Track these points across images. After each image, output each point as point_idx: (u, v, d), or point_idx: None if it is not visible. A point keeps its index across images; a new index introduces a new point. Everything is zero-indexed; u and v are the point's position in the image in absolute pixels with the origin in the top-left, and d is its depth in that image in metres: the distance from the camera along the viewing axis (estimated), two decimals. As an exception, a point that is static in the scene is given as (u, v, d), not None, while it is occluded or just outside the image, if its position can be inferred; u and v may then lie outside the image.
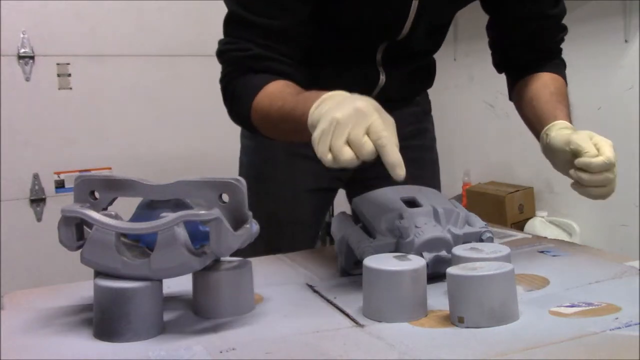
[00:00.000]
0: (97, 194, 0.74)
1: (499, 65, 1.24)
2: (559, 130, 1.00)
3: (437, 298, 0.76)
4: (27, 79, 2.54)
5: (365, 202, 0.90)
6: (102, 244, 0.68)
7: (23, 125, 2.54)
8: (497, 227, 1.15)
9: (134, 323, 0.67)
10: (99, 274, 0.70)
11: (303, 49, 1.02)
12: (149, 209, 0.74)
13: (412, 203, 0.88)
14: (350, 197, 1.32)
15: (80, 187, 0.74)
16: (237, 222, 0.71)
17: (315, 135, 0.75)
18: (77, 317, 0.75)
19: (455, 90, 2.88)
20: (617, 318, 0.68)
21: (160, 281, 0.70)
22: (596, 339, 0.63)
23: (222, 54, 1.02)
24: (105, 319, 0.67)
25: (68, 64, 2.59)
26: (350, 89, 0.92)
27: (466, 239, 0.86)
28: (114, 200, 0.75)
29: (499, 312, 0.67)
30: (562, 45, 1.19)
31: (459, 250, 0.80)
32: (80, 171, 2.60)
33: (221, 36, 1.03)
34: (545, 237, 1.08)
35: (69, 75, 2.60)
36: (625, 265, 0.88)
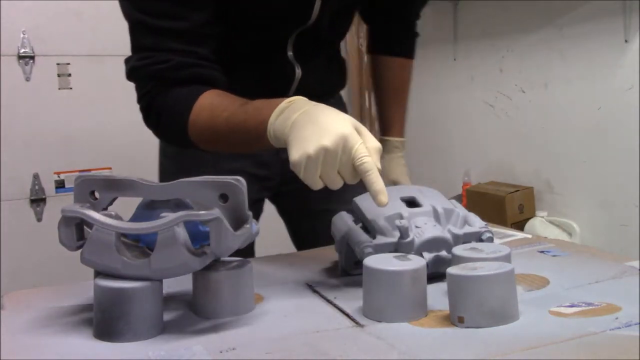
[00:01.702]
0: (97, 194, 0.74)
1: (365, 17, 1.30)
2: (387, 157, 1.24)
3: (437, 298, 0.76)
4: (27, 79, 2.54)
5: (365, 202, 0.90)
6: (102, 244, 0.68)
7: (23, 125, 2.54)
8: (497, 227, 1.15)
9: (134, 323, 0.67)
10: (99, 274, 0.70)
11: (215, 50, 0.98)
12: (149, 209, 0.74)
13: (412, 203, 0.88)
14: (278, 207, 1.33)
15: (80, 187, 0.74)
16: (237, 222, 0.71)
17: (299, 160, 0.75)
18: (77, 317, 0.75)
19: (455, 90, 2.88)
20: (617, 318, 0.68)
21: (160, 281, 0.70)
22: (596, 339, 0.63)
23: (137, 71, 0.94)
24: (105, 319, 0.67)
25: (68, 64, 2.59)
26: (268, 85, 0.94)
27: (466, 239, 0.86)
28: (114, 200, 0.75)
29: (499, 312, 0.67)
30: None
31: (459, 250, 0.80)
32: (80, 171, 2.60)
33: None
34: (545, 237, 1.08)
35: (69, 75, 2.60)
36: (625, 265, 0.88)
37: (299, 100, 0.82)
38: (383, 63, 1.30)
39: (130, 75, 0.96)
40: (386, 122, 1.30)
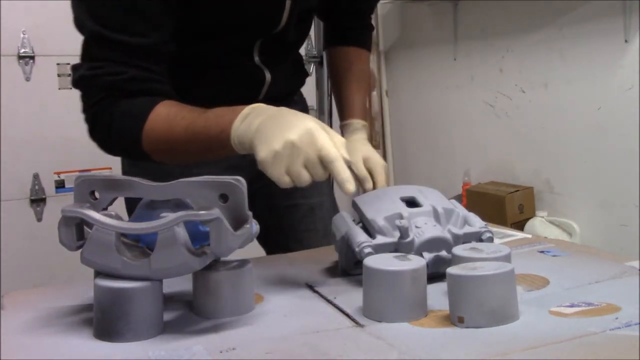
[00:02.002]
0: (97, 194, 0.74)
1: (320, 14, 1.30)
2: (350, 139, 1.16)
3: (437, 298, 0.76)
4: (27, 79, 2.54)
5: (365, 202, 0.90)
6: (102, 244, 0.68)
7: (23, 125, 2.54)
8: (497, 227, 1.15)
9: (134, 323, 0.67)
10: (99, 274, 0.70)
11: (167, 68, 0.96)
12: (149, 209, 0.74)
13: (412, 203, 0.88)
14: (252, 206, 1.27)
15: (80, 187, 0.74)
16: (237, 222, 0.71)
17: (266, 157, 0.76)
18: (77, 317, 0.75)
19: (455, 90, 2.88)
20: (617, 318, 0.68)
21: (160, 281, 0.70)
22: (596, 339, 0.63)
23: (87, 80, 0.92)
24: (105, 319, 0.67)
25: (68, 64, 2.59)
26: (239, 91, 0.93)
27: (466, 239, 0.86)
28: (114, 200, 0.75)
29: (499, 312, 0.67)
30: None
31: (459, 250, 0.80)
32: (80, 171, 2.60)
33: None
34: (545, 237, 1.08)
35: (69, 75, 2.60)
36: (625, 265, 0.88)
37: (261, 106, 0.83)
38: (339, 53, 1.29)
39: (78, 83, 0.93)
40: (346, 106, 1.26)
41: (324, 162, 0.76)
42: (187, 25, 0.97)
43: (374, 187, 1.05)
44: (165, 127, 0.89)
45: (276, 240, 1.21)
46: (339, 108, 1.28)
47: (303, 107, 1.33)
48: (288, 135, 0.75)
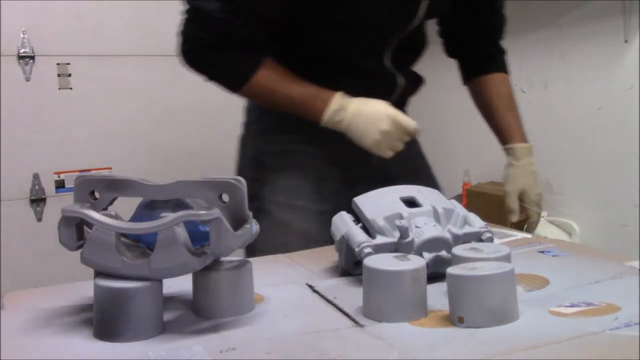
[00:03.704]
0: (97, 194, 0.74)
1: (451, 53, 1.38)
2: (515, 164, 1.29)
3: (437, 298, 0.76)
4: (27, 79, 2.54)
5: (365, 202, 0.90)
6: (102, 244, 0.68)
7: (23, 125, 2.54)
8: (497, 227, 1.15)
9: (134, 323, 0.67)
10: (99, 274, 0.70)
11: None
12: (149, 209, 0.74)
13: (412, 203, 0.88)
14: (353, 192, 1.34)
15: (80, 187, 0.74)
16: (237, 222, 0.71)
17: (371, 145, 1.09)
18: (77, 317, 0.75)
19: (456, 90, 2.87)
20: (617, 318, 0.68)
21: (160, 281, 0.70)
22: (596, 339, 0.63)
23: (209, 13, 1.06)
24: (105, 319, 0.67)
25: (68, 64, 2.59)
26: (375, 96, 1.11)
27: (466, 239, 0.86)
28: (114, 200, 0.75)
29: (499, 312, 0.67)
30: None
31: (459, 250, 0.80)
32: (80, 171, 2.60)
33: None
34: (545, 237, 1.08)
35: (69, 75, 2.60)
36: (625, 265, 0.88)
37: (344, 102, 1.09)
38: (485, 82, 1.33)
39: (197, 14, 1.09)
40: (505, 131, 1.31)
41: (408, 132, 1.09)
42: (324, 19, 1.09)
43: (527, 226, 1.26)
44: (269, 83, 1.10)
45: None
46: (498, 133, 1.33)
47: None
48: (381, 126, 1.07)
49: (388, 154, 1.10)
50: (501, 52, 1.35)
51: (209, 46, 1.10)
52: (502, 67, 1.34)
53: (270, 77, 1.11)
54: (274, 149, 1.23)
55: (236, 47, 1.09)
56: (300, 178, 1.21)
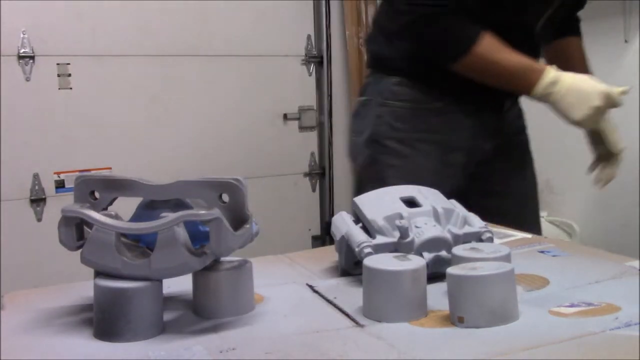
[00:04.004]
0: (97, 194, 0.74)
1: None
2: None
3: (437, 298, 0.76)
4: (27, 79, 2.54)
5: (365, 202, 0.90)
6: (102, 244, 0.68)
7: (23, 125, 2.53)
8: (497, 227, 1.15)
9: (134, 323, 0.67)
10: (99, 274, 0.70)
11: None
12: (149, 209, 0.74)
13: (412, 203, 0.88)
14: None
15: (80, 187, 0.74)
16: (237, 222, 0.71)
17: (581, 119, 1.17)
18: (77, 317, 0.75)
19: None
20: (617, 318, 0.68)
21: (160, 281, 0.70)
22: (596, 339, 0.63)
23: None
24: (105, 319, 0.67)
25: (68, 64, 2.59)
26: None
27: (466, 239, 0.86)
28: (114, 200, 0.75)
29: (499, 312, 0.67)
30: None
31: (459, 250, 0.80)
32: (80, 171, 2.59)
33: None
34: (545, 237, 1.08)
35: (69, 75, 2.60)
36: (625, 265, 0.88)
37: (556, 77, 1.17)
38: (569, 43, 1.52)
39: None
40: None
41: (614, 106, 1.19)
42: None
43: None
44: (491, 54, 1.19)
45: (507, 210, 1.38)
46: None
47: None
48: (593, 102, 1.16)
49: (595, 127, 1.21)
50: (579, 19, 1.54)
51: (430, 17, 1.19)
52: (579, 32, 1.54)
53: (490, 48, 1.19)
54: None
55: (455, 19, 1.19)
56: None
